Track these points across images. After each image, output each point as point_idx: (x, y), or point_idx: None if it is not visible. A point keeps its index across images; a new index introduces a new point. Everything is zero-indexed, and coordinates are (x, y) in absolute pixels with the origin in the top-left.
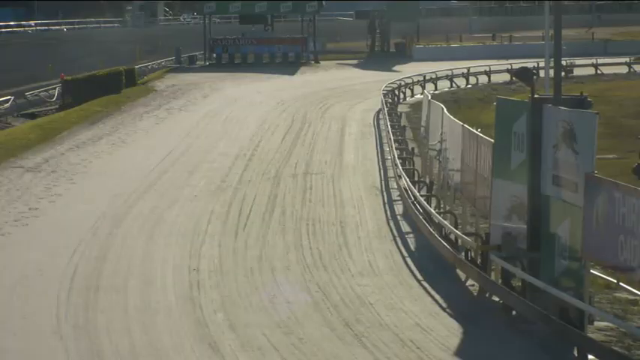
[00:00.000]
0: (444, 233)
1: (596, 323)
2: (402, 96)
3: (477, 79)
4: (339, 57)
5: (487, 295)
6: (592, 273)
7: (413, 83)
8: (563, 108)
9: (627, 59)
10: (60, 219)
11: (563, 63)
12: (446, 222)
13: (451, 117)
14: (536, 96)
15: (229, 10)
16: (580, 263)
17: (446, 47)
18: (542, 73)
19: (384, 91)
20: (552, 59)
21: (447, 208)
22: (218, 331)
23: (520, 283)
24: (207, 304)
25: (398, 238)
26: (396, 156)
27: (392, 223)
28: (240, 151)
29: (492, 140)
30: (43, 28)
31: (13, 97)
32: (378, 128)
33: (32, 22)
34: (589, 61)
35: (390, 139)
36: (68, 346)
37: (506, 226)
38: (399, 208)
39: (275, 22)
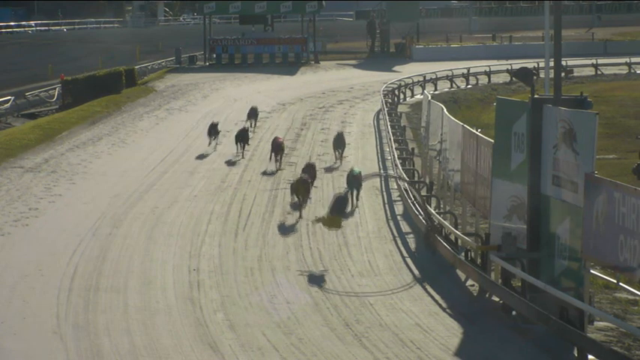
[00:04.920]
0: (443, 233)
1: (596, 323)
2: (402, 96)
3: (477, 80)
4: (339, 57)
5: (487, 295)
6: (592, 273)
7: (413, 83)
8: (563, 108)
9: (627, 59)
10: (60, 219)
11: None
12: (446, 222)
13: (451, 117)
14: (536, 96)
15: (229, 10)
16: (580, 263)
17: (446, 47)
18: (542, 74)
19: (384, 92)
20: (552, 59)
21: (447, 208)
22: (218, 331)
23: (520, 283)
24: (207, 304)
25: (398, 239)
26: (396, 156)
27: (392, 224)
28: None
29: (492, 140)
30: (43, 28)
31: (13, 97)
32: (378, 128)
33: (32, 22)
34: (589, 62)
35: (390, 139)
36: (68, 346)
37: (506, 226)
38: (399, 208)
39: (275, 22)
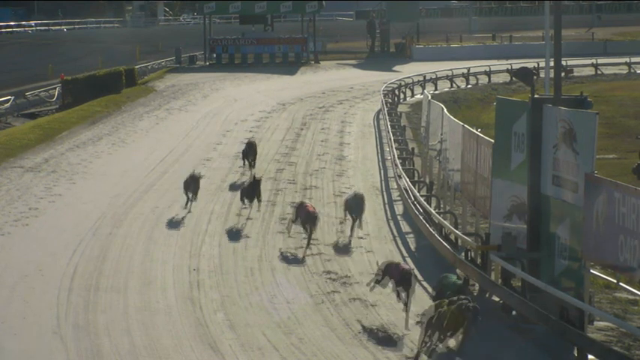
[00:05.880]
0: (444, 233)
1: (596, 323)
2: (402, 96)
3: (477, 80)
4: (339, 57)
5: (487, 295)
6: (592, 273)
7: (413, 83)
8: (563, 108)
9: (627, 59)
10: (60, 219)
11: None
12: (446, 222)
13: (451, 117)
14: (536, 96)
15: (229, 10)
16: (580, 263)
17: (446, 47)
18: (542, 74)
19: (384, 91)
20: (552, 59)
21: (447, 208)
22: (218, 331)
23: (520, 283)
24: (207, 304)
25: (398, 238)
26: (396, 156)
27: (392, 224)
28: (240, 151)
29: (492, 140)
30: (43, 28)
31: (13, 97)
32: (378, 128)
33: (32, 22)
34: (589, 61)
35: (390, 139)
36: (68, 346)
37: (506, 226)
38: (399, 208)
39: (275, 22)
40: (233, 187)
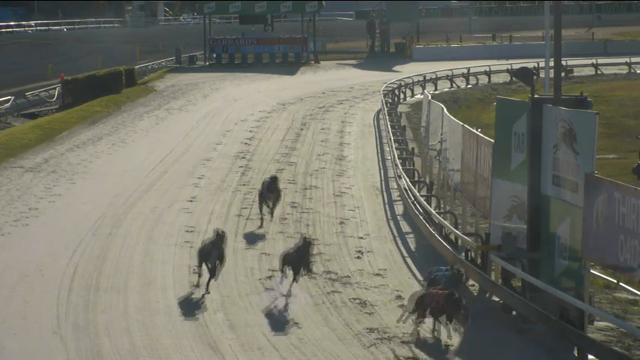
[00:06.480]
0: (444, 233)
1: (596, 323)
2: (402, 96)
3: (477, 80)
4: (339, 57)
5: (487, 295)
6: (592, 273)
7: (413, 83)
8: (563, 108)
9: (627, 59)
10: (60, 219)
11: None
12: (446, 222)
13: (451, 117)
14: (536, 96)
15: (229, 10)
16: (580, 263)
17: (446, 47)
18: (542, 74)
19: (384, 91)
20: (552, 59)
21: (447, 208)
22: (218, 331)
23: (520, 283)
24: (207, 304)
25: (398, 238)
26: (396, 156)
27: (392, 223)
28: (240, 151)
29: (492, 140)
30: (43, 28)
31: (13, 97)
32: (378, 128)
33: (32, 22)
34: (589, 62)
35: (390, 139)
36: (68, 346)
37: (506, 226)
38: (399, 208)
39: (275, 22)
40: (250, 239)
